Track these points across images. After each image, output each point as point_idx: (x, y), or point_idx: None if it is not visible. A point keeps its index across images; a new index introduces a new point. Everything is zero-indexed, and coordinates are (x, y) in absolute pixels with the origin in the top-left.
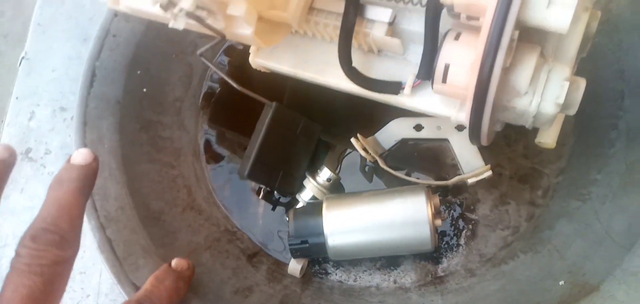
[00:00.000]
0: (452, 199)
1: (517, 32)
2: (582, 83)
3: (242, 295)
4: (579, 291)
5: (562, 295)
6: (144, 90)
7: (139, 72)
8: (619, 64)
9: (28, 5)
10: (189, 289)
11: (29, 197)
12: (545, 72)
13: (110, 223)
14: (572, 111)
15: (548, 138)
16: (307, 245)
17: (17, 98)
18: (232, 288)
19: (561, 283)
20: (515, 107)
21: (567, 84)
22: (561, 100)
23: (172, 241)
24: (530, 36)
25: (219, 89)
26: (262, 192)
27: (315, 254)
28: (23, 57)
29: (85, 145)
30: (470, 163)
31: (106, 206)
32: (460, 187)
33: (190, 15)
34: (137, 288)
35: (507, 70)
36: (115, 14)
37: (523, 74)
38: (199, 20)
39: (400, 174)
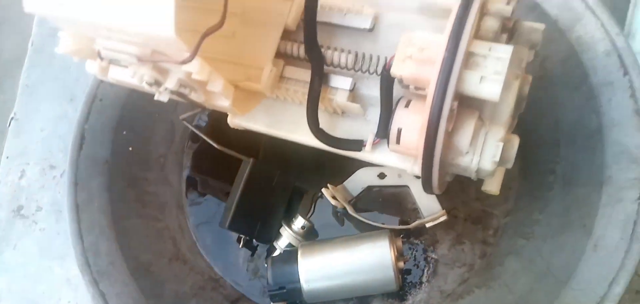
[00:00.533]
0: (414, 240)
1: (456, 103)
2: (515, 141)
3: None
4: None
5: None
6: (130, 149)
7: (124, 132)
8: (555, 115)
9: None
10: None
11: (22, 254)
12: (483, 134)
13: (102, 277)
14: (509, 165)
15: (492, 187)
16: (284, 291)
17: (7, 157)
18: None
19: None
20: (459, 164)
21: (501, 144)
22: (497, 158)
23: (160, 291)
24: (470, 102)
25: (200, 143)
26: (242, 242)
27: (293, 299)
28: (12, 118)
29: (76, 205)
30: (429, 207)
31: (98, 262)
32: (421, 230)
33: (173, 92)
34: None
35: (450, 134)
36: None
37: (464, 137)
38: (182, 96)
39: (366, 219)
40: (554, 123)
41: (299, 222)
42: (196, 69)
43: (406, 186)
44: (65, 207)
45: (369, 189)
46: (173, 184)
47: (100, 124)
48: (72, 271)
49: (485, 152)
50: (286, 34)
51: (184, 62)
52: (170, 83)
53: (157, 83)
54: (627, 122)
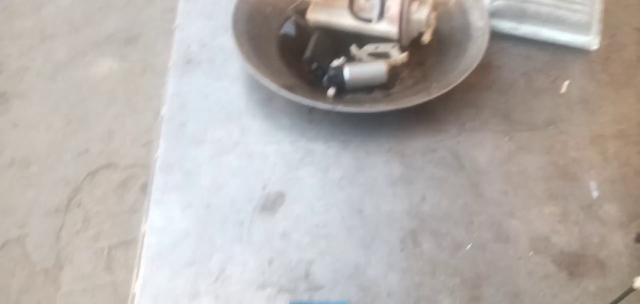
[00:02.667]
0: (396, 68)
1: None
2: (434, 13)
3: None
4: None
5: None
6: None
7: (250, 25)
8: (450, 26)
9: None
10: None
11: (191, 75)
12: (421, 6)
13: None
14: (431, 23)
15: (426, 37)
16: (336, 76)
17: (178, 40)
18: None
19: None
20: (413, 19)
21: (428, 10)
22: (426, 15)
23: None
24: None
25: (286, 30)
26: (315, 66)
27: (340, 83)
28: (177, 25)
29: (239, 44)
30: (398, 55)
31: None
32: (397, 66)
33: None
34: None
35: (408, 6)
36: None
37: (415, 6)
38: None
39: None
40: (450, 30)
41: (340, 58)
42: None
43: (387, 52)
44: (233, 47)
45: (371, 54)
46: (272, 47)
47: (241, 21)
48: (224, 84)
49: (422, 12)
50: None
51: None
52: None
53: None
54: (475, 12)
